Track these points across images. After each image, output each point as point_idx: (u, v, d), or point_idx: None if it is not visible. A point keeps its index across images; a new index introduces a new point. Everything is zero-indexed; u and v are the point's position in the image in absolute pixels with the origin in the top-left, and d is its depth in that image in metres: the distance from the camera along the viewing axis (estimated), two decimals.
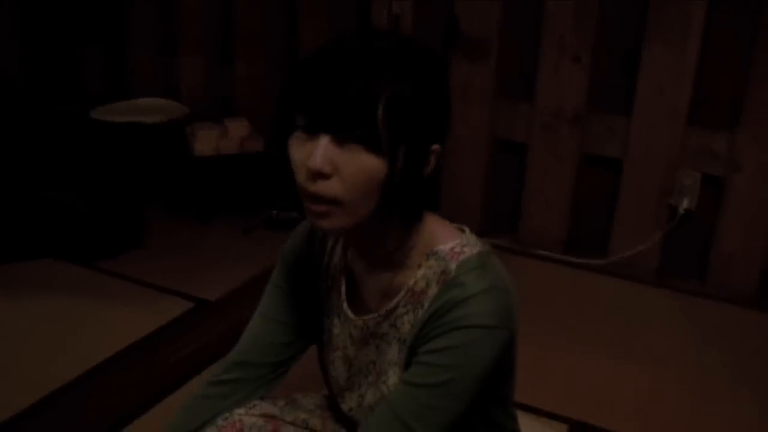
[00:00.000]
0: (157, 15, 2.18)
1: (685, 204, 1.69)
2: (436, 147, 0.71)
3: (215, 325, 1.48)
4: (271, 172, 1.98)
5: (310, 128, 0.67)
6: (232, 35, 2.08)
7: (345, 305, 0.80)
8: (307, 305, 0.86)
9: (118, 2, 2.20)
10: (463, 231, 0.76)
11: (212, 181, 1.90)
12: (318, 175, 0.67)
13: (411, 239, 0.74)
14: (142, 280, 1.65)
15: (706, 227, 1.69)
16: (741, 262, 1.66)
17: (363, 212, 0.69)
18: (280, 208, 1.90)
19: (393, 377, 0.76)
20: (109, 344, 1.40)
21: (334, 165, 0.66)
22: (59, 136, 1.94)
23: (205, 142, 1.87)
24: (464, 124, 1.84)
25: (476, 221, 1.86)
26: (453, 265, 0.72)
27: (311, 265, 0.85)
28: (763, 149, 1.59)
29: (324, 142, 0.66)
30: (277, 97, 0.71)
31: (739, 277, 1.67)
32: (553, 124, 1.75)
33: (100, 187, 1.78)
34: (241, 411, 0.83)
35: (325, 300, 0.84)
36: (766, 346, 1.51)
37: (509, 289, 0.72)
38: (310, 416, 0.88)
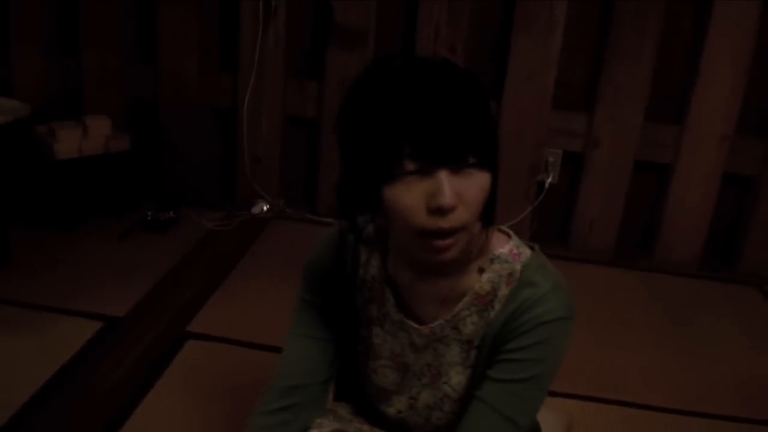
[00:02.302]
0: None
1: (550, 179, 1.86)
2: None
3: (135, 345, 1.39)
4: (140, 171, 1.86)
5: (426, 168, 0.66)
6: (77, 24, 1.90)
7: (399, 315, 0.82)
8: (340, 318, 0.86)
9: None
10: (505, 233, 0.81)
11: (76, 184, 1.75)
12: (446, 211, 0.67)
13: (476, 245, 0.78)
14: (28, 302, 1.49)
15: (568, 197, 1.88)
16: (600, 226, 1.87)
17: (474, 229, 0.71)
18: (153, 208, 1.80)
19: (456, 376, 0.80)
20: (25, 380, 1.26)
21: (458, 195, 0.67)
22: None
23: (67, 142, 1.71)
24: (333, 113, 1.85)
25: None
26: (518, 266, 0.77)
27: (343, 278, 0.85)
28: (618, 126, 1.80)
29: (445, 177, 0.66)
30: (369, 147, 0.68)
31: (598, 239, 1.87)
32: None
33: None
34: None
35: (361, 311, 0.85)
36: (624, 297, 1.72)
37: (565, 282, 0.78)
38: (361, 425, 0.89)
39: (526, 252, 0.78)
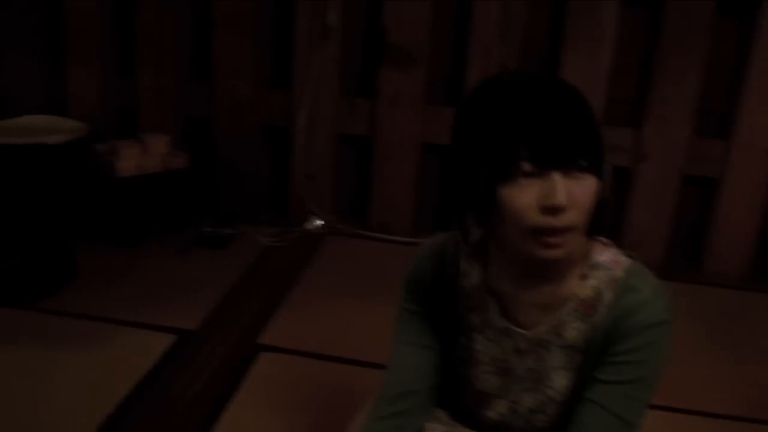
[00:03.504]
0: (39, 18, 1.98)
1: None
2: None
3: (210, 358, 1.42)
4: (197, 189, 1.90)
5: (540, 169, 0.71)
6: (134, 43, 1.95)
7: (503, 322, 0.85)
8: (442, 327, 0.90)
9: None
10: (603, 241, 0.85)
11: (137, 201, 1.79)
12: (558, 210, 0.72)
13: (579, 251, 0.81)
14: (99, 316, 1.52)
15: (615, 211, 1.91)
16: (648, 239, 1.90)
17: (583, 232, 0.76)
18: (211, 225, 1.84)
19: (560, 380, 0.83)
20: (105, 392, 1.29)
21: (569, 196, 0.72)
22: None
23: (128, 160, 1.75)
24: (394, 131, 1.90)
25: (407, 223, 1.95)
26: (620, 273, 0.80)
27: (443, 287, 0.89)
28: (665, 141, 1.83)
29: (558, 178, 0.71)
30: (488, 149, 0.73)
31: (647, 253, 1.90)
32: None
33: (16, 220, 1.60)
34: None
35: (462, 320, 0.88)
36: (675, 308, 1.74)
37: (662, 287, 0.82)
38: (464, 429, 0.92)
39: (626, 260, 0.82)
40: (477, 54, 1.82)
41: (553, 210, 0.71)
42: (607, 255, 0.81)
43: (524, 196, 0.72)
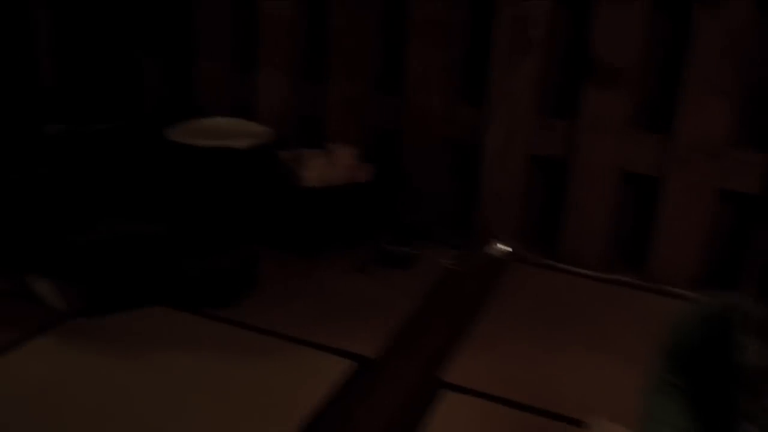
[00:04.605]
0: (231, 22, 1.99)
1: None
2: None
3: (391, 391, 1.33)
4: (379, 203, 1.83)
5: None
6: (325, 50, 1.91)
7: None
8: (707, 409, 0.75)
9: (183, 6, 1.99)
10: None
11: (320, 213, 1.73)
12: None
13: None
14: (275, 331, 1.47)
15: None
16: None
17: None
18: (390, 242, 1.76)
19: None
20: (281, 415, 1.23)
21: None
22: (133, 159, 1.73)
23: (314, 170, 1.70)
24: (593, 155, 1.75)
25: (602, 253, 1.79)
26: None
27: (715, 361, 0.74)
28: None
29: None
30: None
31: None
32: (692, 157, 1.68)
33: (200, 223, 1.59)
34: None
35: (734, 403, 0.73)
36: None
37: None
38: None
39: None
40: (695, 75, 1.64)
41: None
42: None
43: None
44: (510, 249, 1.83)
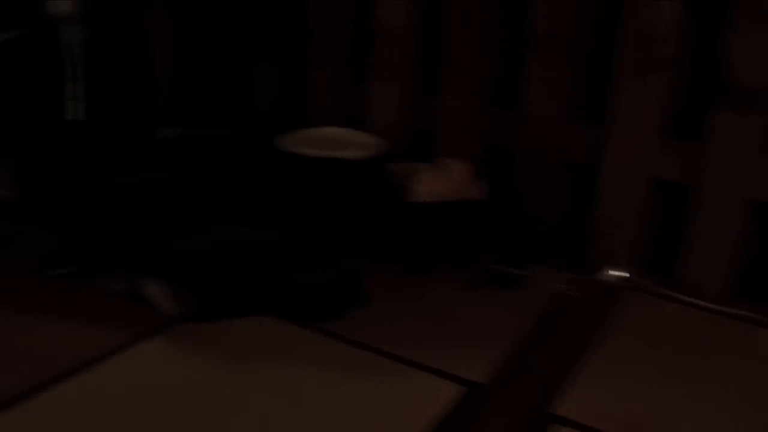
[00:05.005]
0: (346, 32, 1.98)
1: None
2: None
3: (500, 421, 1.28)
4: (491, 222, 1.79)
5: None
6: (440, 61, 1.87)
7: None
8: None
9: (301, 17, 1.99)
10: None
11: (430, 229, 1.70)
12: None
13: None
14: (381, 349, 1.44)
15: None
16: None
17: None
18: (500, 262, 1.71)
19: None
20: None
21: None
22: (246, 166, 1.74)
23: (427, 185, 1.67)
24: (720, 182, 1.65)
25: (724, 285, 1.69)
26: None
27: None
28: None
29: None
30: None
31: None
32: None
33: (311, 233, 1.58)
34: None
35: None
36: None
37: None
38: None
39: None
40: None
41: None
42: None
43: None
44: (625, 276, 1.75)
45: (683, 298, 1.70)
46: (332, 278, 1.53)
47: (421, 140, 1.95)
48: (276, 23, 2.08)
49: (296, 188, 1.71)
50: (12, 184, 1.96)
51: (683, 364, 1.46)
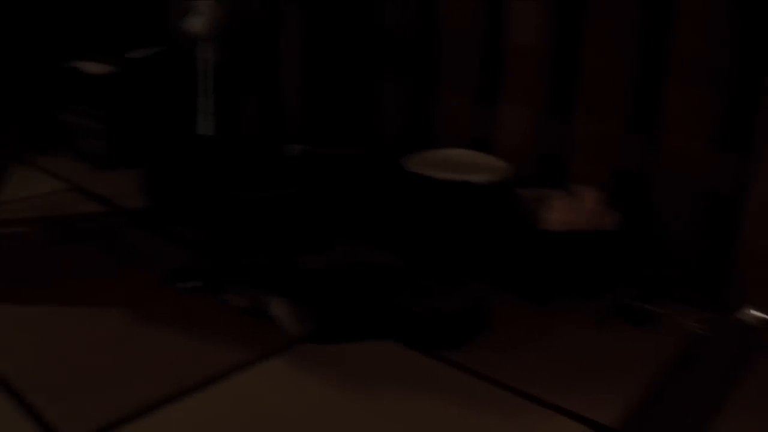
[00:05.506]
0: (476, 54, 1.95)
1: None
2: None
3: None
4: (623, 254, 1.71)
5: None
6: (570, 84, 1.81)
7: None
8: None
9: (430, 37, 1.98)
10: None
11: (558, 259, 1.64)
12: None
13: None
14: (502, 381, 1.40)
15: None
16: None
17: None
18: (633, 297, 1.63)
19: None
20: None
21: None
22: (371, 186, 1.73)
23: (559, 212, 1.61)
24: None
25: None
26: None
27: None
28: None
29: None
30: None
31: None
32: None
33: (436, 258, 1.55)
34: None
35: None
36: None
37: None
38: None
39: None
40: None
41: None
42: None
43: None
44: (763, 317, 1.64)
45: None
46: (458, 307, 1.49)
47: (549, 165, 1.89)
48: (406, 43, 2.07)
49: (423, 211, 1.69)
50: (141, 195, 2.02)
51: None
